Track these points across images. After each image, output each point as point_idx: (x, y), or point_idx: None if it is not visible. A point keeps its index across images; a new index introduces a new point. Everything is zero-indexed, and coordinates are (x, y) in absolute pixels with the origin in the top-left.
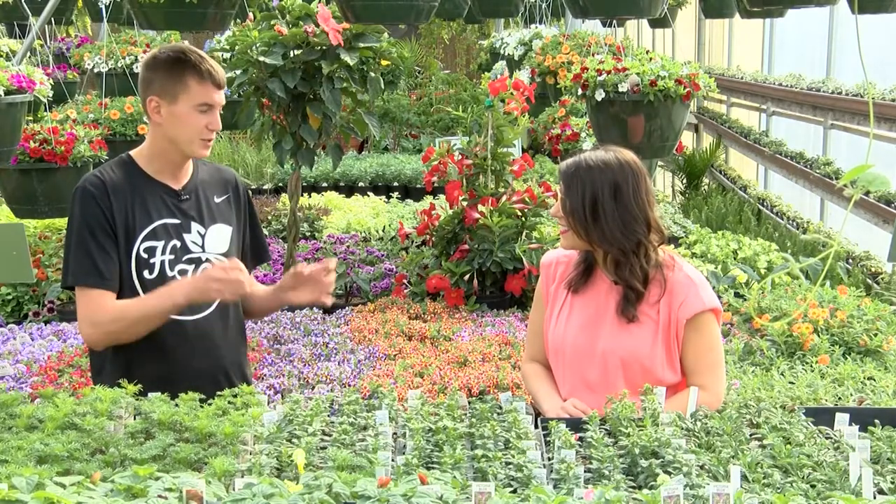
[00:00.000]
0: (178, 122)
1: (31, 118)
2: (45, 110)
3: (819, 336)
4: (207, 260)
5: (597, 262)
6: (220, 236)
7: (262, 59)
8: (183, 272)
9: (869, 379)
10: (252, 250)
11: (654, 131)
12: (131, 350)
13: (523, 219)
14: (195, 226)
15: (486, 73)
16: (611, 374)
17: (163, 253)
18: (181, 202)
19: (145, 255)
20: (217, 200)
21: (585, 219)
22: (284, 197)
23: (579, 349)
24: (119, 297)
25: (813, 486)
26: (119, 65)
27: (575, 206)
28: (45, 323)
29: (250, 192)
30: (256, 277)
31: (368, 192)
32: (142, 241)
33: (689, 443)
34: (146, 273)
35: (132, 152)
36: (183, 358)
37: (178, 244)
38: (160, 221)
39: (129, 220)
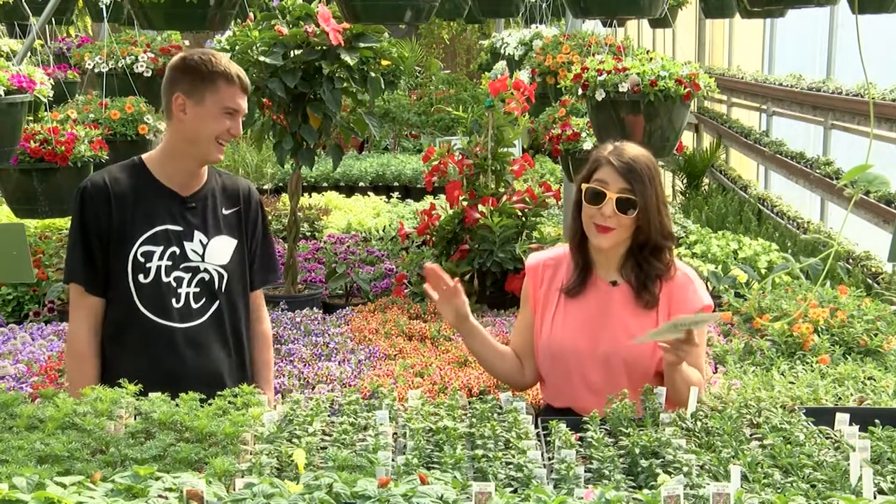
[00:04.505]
0: (202, 122)
1: (31, 118)
2: (46, 110)
3: (819, 336)
4: (205, 270)
5: (593, 265)
6: (222, 248)
7: (262, 59)
8: (178, 280)
9: (869, 379)
10: (260, 266)
11: (654, 131)
12: (126, 353)
13: (524, 219)
14: (198, 235)
15: (486, 73)
16: (614, 376)
17: (160, 258)
18: (187, 210)
19: (142, 259)
20: (226, 212)
21: (658, 210)
22: (284, 197)
23: (581, 352)
24: (115, 297)
25: (813, 486)
26: (120, 65)
27: (649, 200)
28: (46, 323)
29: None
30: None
31: (368, 192)
32: (140, 245)
33: (689, 443)
34: (141, 277)
35: (144, 156)
36: (172, 364)
37: (178, 251)
38: (161, 227)
39: (127, 223)
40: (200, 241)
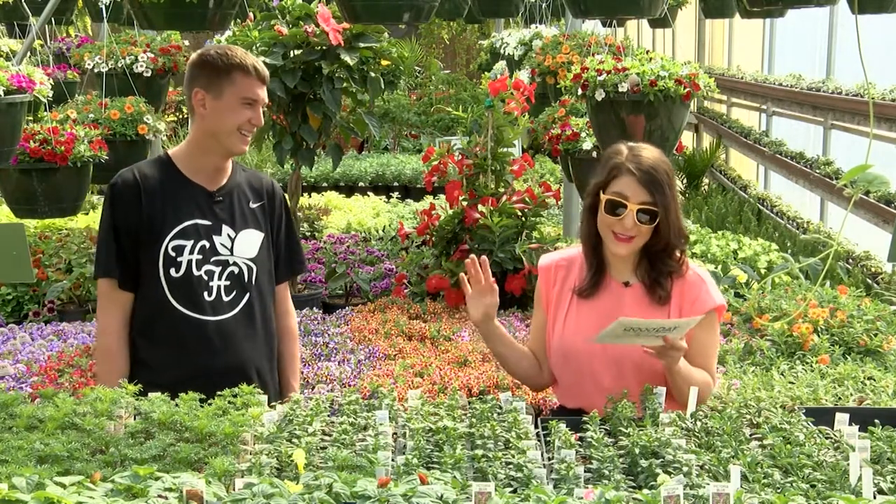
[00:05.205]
0: (222, 115)
1: (31, 118)
2: (45, 110)
3: (819, 336)
4: (234, 263)
5: (607, 267)
6: (250, 241)
7: (262, 59)
8: (209, 273)
9: (869, 379)
10: (287, 260)
11: (654, 131)
12: (157, 348)
13: (523, 219)
14: (226, 228)
15: (486, 73)
16: (625, 377)
17: (191, 252)
18: (214, 204)
19: (173, 254)
20: (252, 206)
21: (677, 215)
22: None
23: (592, 353)
24: (145, 292)
25: (813, 486)
26: (119, 65)
27: (669, 206)
28: (45, 323)
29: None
30: None
31: (368, 192)
32: (171, 240)
33: (689, 443)
34: (173, 271)
35: (170, 151)
36: (205, 357)
37: (207, 245)
38: (191, 221)
39: (158, 218)
40: (228, 234)
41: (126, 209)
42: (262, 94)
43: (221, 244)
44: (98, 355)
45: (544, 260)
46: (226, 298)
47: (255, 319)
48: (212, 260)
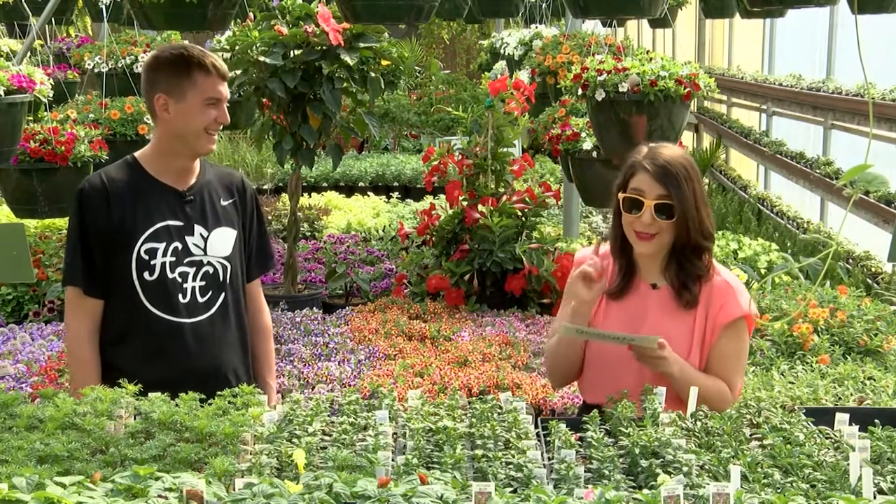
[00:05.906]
0: (187, 118)
1: (31, 118)
2: (46, 110)
3: (819, 336)
4: (209, 263)
5: (637, 268)
6: (223, 240)
7: (262, 59)
8: (184, 275)
9: (869, 379)
10: (257, 256)
11: (654, 131)
12: (131, 353)
13: (523, 219)
14: (198, 228)
15: (486, 73)
16: (645, 380)
17: (164, 255)
18: (185, 204)
19: (146, 257)
20: (223, 203)
21: (698, 212)
22: (284, 197)
23: (615, 355)
24: (118, 297)
25: (813, 486)
26: (119, 65)
27: (688, 203)
28: (46, 323)
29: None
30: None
31: (368, 192)
32: (143, 243)
33: (689, 443)
34: (146, 274)
35: (136, 154)
36: (181, 360)
37: (180, 246)
38: (162, 223)
39: (129, 222)
40: (201, 234)
41: (95, 214)
42: (225, 91)
43: (194, 244)
44: (72, 364)
45: (580, 254)
46: (201, 300)
47: (230, 319)
48: (185, 261)
